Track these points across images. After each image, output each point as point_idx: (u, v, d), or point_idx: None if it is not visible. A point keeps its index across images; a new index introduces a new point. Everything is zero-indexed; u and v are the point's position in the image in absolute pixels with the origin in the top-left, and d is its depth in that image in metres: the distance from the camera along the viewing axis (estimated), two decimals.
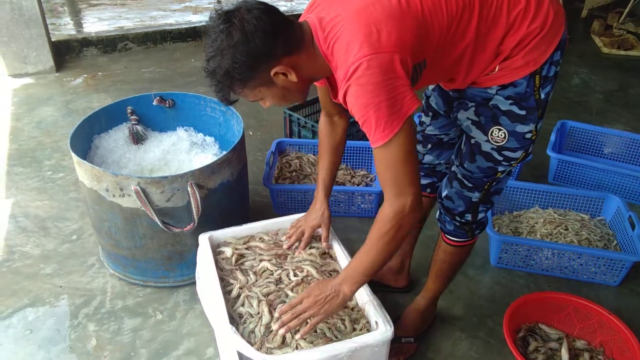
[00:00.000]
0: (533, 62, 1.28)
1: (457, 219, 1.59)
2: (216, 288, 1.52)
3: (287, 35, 1.20)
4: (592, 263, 2.09)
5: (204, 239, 1.71)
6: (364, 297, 1.51)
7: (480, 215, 1.59)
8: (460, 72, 1.32)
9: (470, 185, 1.50)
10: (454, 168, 1.54)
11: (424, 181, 1.77)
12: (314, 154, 2.70)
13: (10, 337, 1.83)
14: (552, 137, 2.76)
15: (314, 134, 2.80)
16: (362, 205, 2.44)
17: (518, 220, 2.38)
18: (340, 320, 1.48)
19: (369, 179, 2.62)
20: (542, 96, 1.33)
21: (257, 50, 1.16)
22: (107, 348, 1.80)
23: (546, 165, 2.78)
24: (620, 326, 1.71)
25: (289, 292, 1.56)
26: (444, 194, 1.60)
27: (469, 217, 1.58)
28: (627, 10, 4.82)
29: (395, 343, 1.45)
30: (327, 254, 1.72)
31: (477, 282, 2.13)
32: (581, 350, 1.78)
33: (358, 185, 2.56)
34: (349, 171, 2.65)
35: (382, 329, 1.38)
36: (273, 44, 1.18)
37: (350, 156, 2.70)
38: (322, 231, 1.72)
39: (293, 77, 1.24)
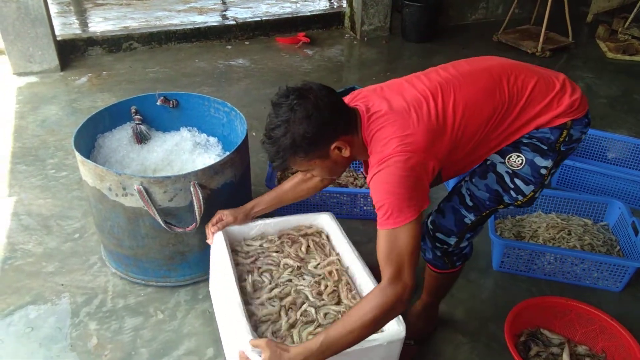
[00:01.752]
0: (559, 119, 1.38)
1: (438, 244, 1.59)
2: (233, 289, 1.54)
3: (347, 116, 1.35)
4: (595, 268, 2.09)
5: (219, 236, 1.72)
6: None
7: (464, 243, 1.59)
8: (472, 163, 1.49)
9: (470, 203, 1.51)
10: (461, 183, 1.55)
11: None
12: None
13: (11, 335, 1.83)
14: None
15: None
16: (365, 208, 2.44)
17: (520, 225, 2.37)
18: None
19: None
20: (563, 149, 1.41)
21: (326, 123, 1.29)
22: (107, 347, 1.80)
23: None
24: (622, 332, 1.71)
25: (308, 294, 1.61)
26: (435, 208, 1.61)
27: (452, 241, 1.57)
28: (632, 15, 4.81)
29: None
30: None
31: (479, 286, 2.13)
32: (583, 356, 1.78)
33: (361, 187, 2.56)
34: (351, 173, 2.65)
35: (395, 329, 1.40)
36: (338, 122, 1.32)
37: None
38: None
39: (346, 153, 1.35)
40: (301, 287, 1.62)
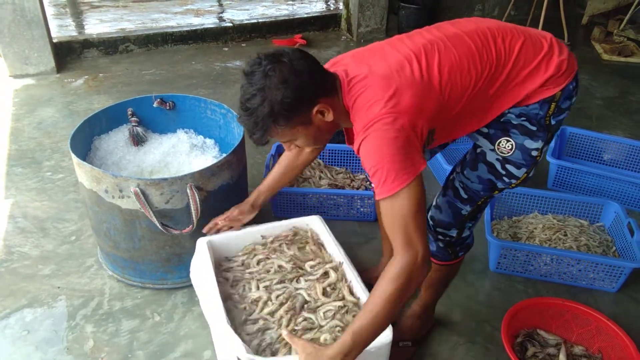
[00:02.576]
0: (547, 91, 1.34)
1: (440, 237, 1.58)
2: (214, 293, 1.52)
3: (325, 79, 1.29)
4: (591, 269, 2.09)
5: (202, 244, 1.71)
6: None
7: (466, 233, 1.59)
8: (463, 130, 1.43)
9: (464, 196, 1.50)
10: (453, 176, 1.55)
11: None
12: None
13: (7, 338, 1.82)
14: (552, 143, 2.76)
15: None
16: (362, 209, 2.44)
17: (517, 226, 2.38)
18: (341, 327, 1.48)
19: (368, 182, 2.62)
20: (553, 122, 1.38)
21: (305, 86, 1.23)
22: (104, 349, 1.80)
23: (545, 171, 2.78)
24: (618, 332, 1.71)
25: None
26: (433, 204, 1.60)
27: (454, 233, 1.57)
28: (627, 17, 4.83)
29: (392, 347, 1.45)
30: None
31: (476, 288, 2.13)
32: (579, 356, 1.78)
33: (357, 189, 2.57)
34: (348, 175, 2.65)
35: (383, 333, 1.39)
36: (317, 83, 1.26)
37: (349, 160, 2.70)
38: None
39: (330, 117, 1.29)
40: (298, 291, 1.61)
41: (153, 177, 1.80)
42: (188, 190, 1.78)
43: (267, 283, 1.63)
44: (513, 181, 1.44)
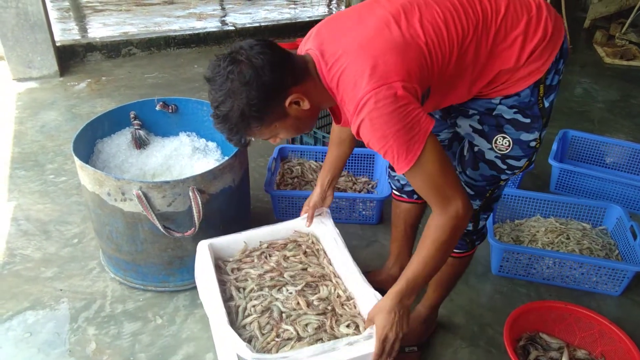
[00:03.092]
0: (536, 71, 1.28)
1: None
2: (216, 295, 1.52)
3: (292, 65, 1.22)
4: (594, 272, 2.09)
5: (203, 246, 1.70)
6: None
7: (481, 224, 1.59)
8: (456, 95, 1.34)
9: (472, 193, 1.50)
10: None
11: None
12: (315, 161, 2.71)
13: (10, 340, 1.83)
14: (554, 146, 2.76)
15: (316, 141, 2.81)
16: (364, 212, 2.44)
17: (519, 229, 2.38)
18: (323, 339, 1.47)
19: (370, 185, 2.62)
20: (546, 105, 1.34)
21: (270, 82, 1.17)
22: (106, 352, 1.80)
23: (548, 174, 2.78)
24: (621, 336, 1.71)
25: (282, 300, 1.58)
26: None
27: (470, 226, 1.57)
28: (629, 20, 4.84)
29: (399, 353, 1.45)
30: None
31: (478, 291, 2.13)
32: None
33: (359, 192, 2.57)
34: (350, 178, 2.65)
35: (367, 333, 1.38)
36: (283, 74, 1.19)
37: (352, 163, 2.70)
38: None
39: (306, 105, 1.24)
40: (276, 302, 1.57)
41: (155, 180, 1.80)
42: (190, 193, 1.78)
43: (246, 291, 1.61)
44: (516, 171, 1.43)
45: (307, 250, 1.77)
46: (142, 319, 1.92)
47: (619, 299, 2.12)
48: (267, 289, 1.61)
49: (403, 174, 1.20)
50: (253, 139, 1.31)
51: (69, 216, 2.44)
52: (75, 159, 1.84)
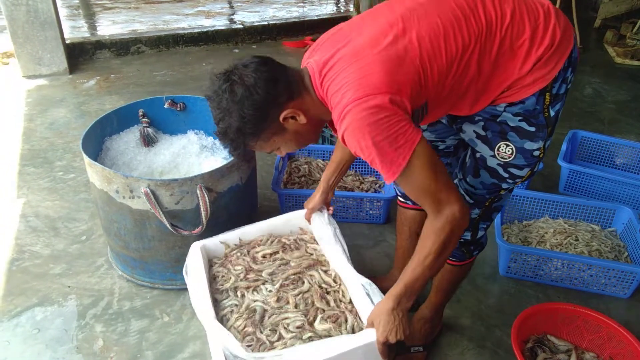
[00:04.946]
0: (542, 79, 1.25)
1: None
2: (205, 296, 1.54)
3: (287, 80, 1.24)
4: (603, 275, 2.07)
5: (195, 248, 1.72)
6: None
7: (480, 234, 1.57)
8: (464, 106, 1.32)
9: (471, 201, 1.49)
10: (455, 181, 1.52)
11: None
12: (323, 160, 2.71)
13: (18, 336, 1.84)
14: (564, 147, 2.74)
15: (324, 139, 2.80)
16: (371, 212, 2.43)
17: (528, 230, 2.36)
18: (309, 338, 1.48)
19: (377, 185, 2.61)
20: (552, 114, 1.31)
21: (262, 100, 1.19)
22: (113, 349, 1.81)
23: (557, 174, 2.76)
24: (630, 339, 1.69)
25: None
26: None
27: (468, 235, 1.56)
28: None
29: (404, 353, 1.44)
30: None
31: (486, 292, 2.12)
32: None
33: (367, 191, 2.56)
34: (357, 177, 2.64)
35: (371, 331, 1.38)
36: (275, 91, 1.21)
37: (359, 163, 2.70)
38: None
39: (302, 119, 1.26)
40: (255, 303, 1.59)
41: (163, 178, 1.80)
42: (198, 192, 1.78)
43: (225, 294, 1.64)
44: (517, 180, 1.41)
45: (289, 243, 1.80)
46: (149, 317, 1.93)
47: (628, 301, 2.10)
48: (244, 290, 1.63)
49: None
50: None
51: (77, 213, 2.45)
52: (84, 156, 1.85)
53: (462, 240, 1.57)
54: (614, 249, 2.24)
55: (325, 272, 1.69)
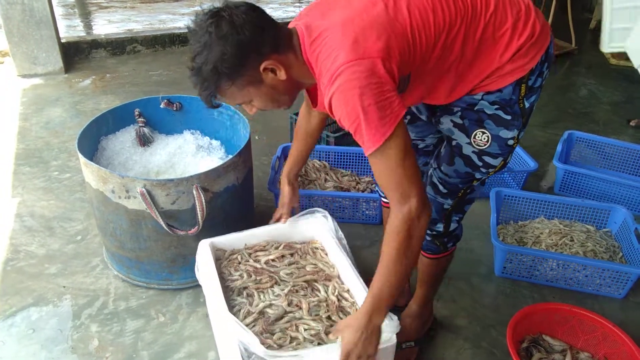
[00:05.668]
0: (520, 69, 1.29)
1: (427, 231, 1.55)
2: (219, 293, 1.52)
3: (275, 33, 1.21)
4: (597, 275, 2.08)
5: (204, 245, 1.70)
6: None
7: (454, 226, 1.57)
8: (443, 89, 1.33)
9: (444, 190, 1.49)
10: (430, 171, 1.53)
11: None
12: (319, 160, 2.71)
13: (13, 336, 1.83)
14: (559, 148, 2.75)
15: (321, 140, 2.80)
16: (367, 212, 2.44)
17: (523, 230, 2.37)
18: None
19: (373, 185, 2.62)
20: (527, 105, 1.35)
21: (247, 42, 1.16)
22: (108, 349, 1.80)
23: (552, 175, 2.77)
24: (624, 339, 1.70)
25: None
26: None
27: (440, 227, 1.56)
28: None
29: (396, 349, 1.45)
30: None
31: (481, 292, 2.12)
32: None
33: (363, 191, 2.56)
34: (354, 177, 2.65)
35: (386, 335, 1.37)
36: (262, 38, 1.18)
37: (355, 163, 2.70)
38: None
39: (282, 75, 1.22)
40: (268, 307, 1.56)
41: (159, 178, 1.80)
42: (194, 191, 1.78)
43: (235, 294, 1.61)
44: (490, 170, 1.42)
45: (300, 247, 1.78)
46: (145, 317, 1.93)
47: (623, 301, 2.11)
48: (253, 290, 1.61)
49: (369, 157, 1.17)
50: (224, 103, 1.28)
51: (72, 213, 2.44)
52: (80, 155, 1.84)
53: (434, 232, 1.57)
54: (609, 249, 2.25)
55: (341, 284, 1.65)
